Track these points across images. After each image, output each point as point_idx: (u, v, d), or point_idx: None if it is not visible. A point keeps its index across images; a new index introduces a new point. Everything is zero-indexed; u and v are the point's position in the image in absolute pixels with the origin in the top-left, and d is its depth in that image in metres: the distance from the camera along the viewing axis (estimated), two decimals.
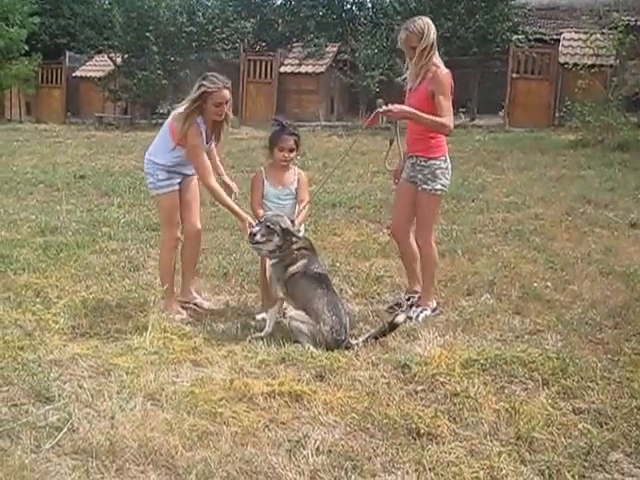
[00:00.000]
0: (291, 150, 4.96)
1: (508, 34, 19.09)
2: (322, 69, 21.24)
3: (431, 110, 4.67)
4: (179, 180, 5.01)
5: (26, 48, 22.58)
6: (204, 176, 4.83)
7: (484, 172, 11.08)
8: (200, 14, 21.32)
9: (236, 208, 4.85)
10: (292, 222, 4.76)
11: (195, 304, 5.30)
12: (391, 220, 5.46)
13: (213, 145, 5.12)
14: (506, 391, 3.76)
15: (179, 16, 20.69)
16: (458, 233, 7.25)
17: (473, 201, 8.84)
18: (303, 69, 21.55)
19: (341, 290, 5.53)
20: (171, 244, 5.15)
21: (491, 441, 3.26)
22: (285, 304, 4.76)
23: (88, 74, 23.79)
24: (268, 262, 4.83)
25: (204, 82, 4.73)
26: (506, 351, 4.18)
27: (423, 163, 4.86)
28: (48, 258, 6.44)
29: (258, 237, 4.61)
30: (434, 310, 4.98)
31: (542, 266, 6.07)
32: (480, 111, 19.37)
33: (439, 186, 4.87)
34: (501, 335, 4.57)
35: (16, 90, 23.35)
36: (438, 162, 4.86)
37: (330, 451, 3.20)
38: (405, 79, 5.04)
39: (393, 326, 4.46)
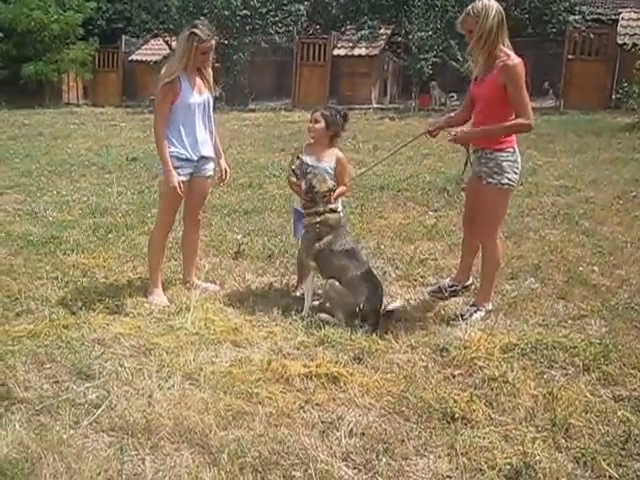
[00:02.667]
0: (316, 121, 4.97)
1: (564, 14, 18.64)
2: (375, 52, 21.09)
3: (503, 102, 4.37)
4: (189, 171, 4.93)
5: (83, 33, 22.95)
6: (157, 119, 4.82)
7: (535, 155, 10.84)
8: None
9: (168, 161, 4.77)
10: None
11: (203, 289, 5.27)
12: (463, 212, 5.20)
13: (211, 101, 5.00)
14: (545, 376, 3.71)
15: (233, 0, 20.72)
16: (506, 216, 7.09)
17: (522, 184, 8.58)
18: (356, 52, 21.45)
19: (384, 273, 5.51)
20: (163, 229, 5.13)
21: (527, 427, 3.22)
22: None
23: (144, 58, 24.10)
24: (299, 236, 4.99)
25: (195, 30, 4.67)
26: (547, 336, 4.12)
27: (489, 155, 4.49)
28: (97, 239, 6.59)
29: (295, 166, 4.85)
30: (489, 312, 4.68)
31: (590, 250, 5.93)
32: (534, 93, 18.89)
33: (506, 180, 4.50)
34: (543, 320, 4.49)
35: (73, 74, 23.74)
36: (505, 154, 4.49)
37: (363, 433, 3.21)
38: (469, 67, 4.76)
39: (387, 313, 4.49)
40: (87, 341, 4.28)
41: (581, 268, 5.41)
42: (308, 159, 5.00)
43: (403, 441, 3.14)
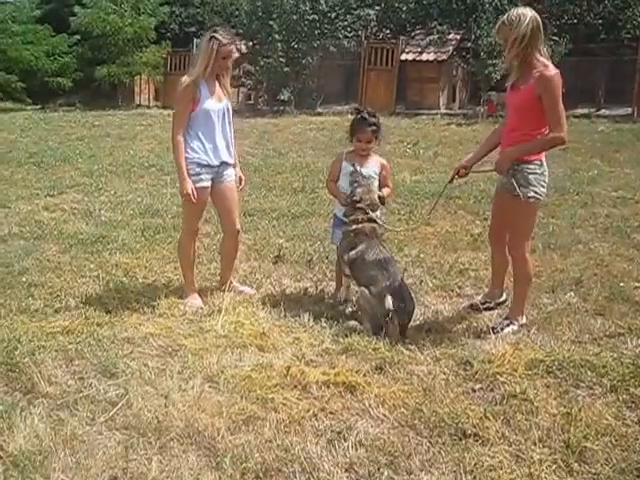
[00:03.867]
0: (369, 141, 4.97)
1: None
2: (444, 57, 20.86)
3: (537, 113, 4.26)
4: (210, 177, 4.93)
5: (155, 36, 23.49)
6: (175, 126, 4.83)
7: (598, 164, 10.56)
8: (323, 2, 21.38)
9: (183, 169, 4.80)
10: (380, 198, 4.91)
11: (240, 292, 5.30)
12: (489, 226, 5.07)
13: (230, 108, 5.00)
14: (569, 396, 3.58)
15: (302, 4, 20.86)
16: (554, 227, 6.95)
17: (578, 194, 8.44)
18: (424, 57, 21.25)
19: (421, 282, 5.45)
20: (189, 235, 5.12)
21: (540, 448, 3.11)
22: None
23: None
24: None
25: (215, 34, 4.70)
26: (577, 353, 3.98)
27: (515, 167, 4.36)
28: (144, 239, 6.72)
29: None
30: (522, 326, 4.57)
31: (638, 265, 5.71)
32: (608, 101, 18.42)
33: (532, 193, 4.35)
34: (577, 336, 4.35)
35: (145, 77, 24.30)
36: (532, 166, 4.35)
37: (371, 445, 3.17)
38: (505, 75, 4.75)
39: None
40: (117, 339, 4.36)
41: (624, 284, 5.21)
42: (350, 166, 5.01)
43: (410, 455, 3.08)
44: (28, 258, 6.06)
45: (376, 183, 4.98)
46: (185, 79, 4.78)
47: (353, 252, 4.71)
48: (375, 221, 4.81)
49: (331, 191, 5.16)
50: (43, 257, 6.12)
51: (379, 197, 4.89)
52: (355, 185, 4.85)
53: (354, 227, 4.77)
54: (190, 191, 4.79)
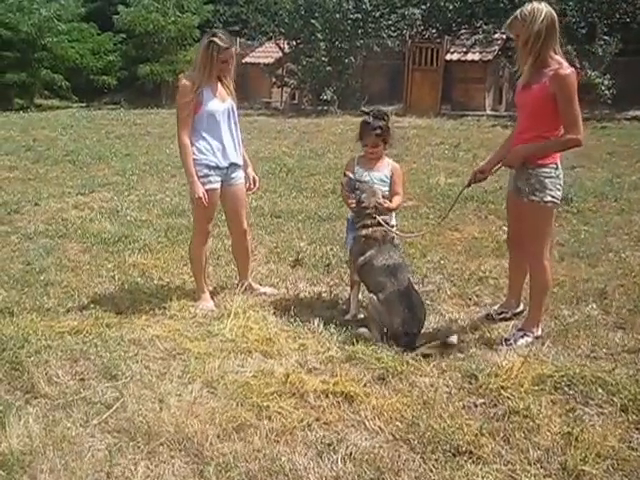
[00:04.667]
0: (374, 146, 4.86)
1: None
2: (489, 57, 20.54)
3: (551, 113, 4.11)
4: (219, 179, 4.89)
5: (199, 35, 23.62)
6: (179, 129, 4.77)
7: None
8: (366, 0, 21.23)
9: (192, 172, 4.75)
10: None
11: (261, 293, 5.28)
12: (507, 231, 4.95)
13: (234, 108, 4.95)
14: (575, 414, 3.42)
15: (345, 3, 20.74)
16: (586, 235, 6.73)
17: (616, 200, 8.15)
18: (469, 57, 20.96)
19: (439, 289, 5.32)
20: (201, 238, 5.07)
21: (536, 469, 2.98)
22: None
23: (257, 60, 24.52)
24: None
25: (213, 39, 4.63)
26: (589, 369, 3.81)
27: (530, 171, 4.22)
28: (167, 240, 6.72)
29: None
30: (537, 338, 4.36)
31: None
32: None
33: (549, 197, 4.21)
34: (592, 351, 4.17)
35: None
36: (548, 170, 4.20)
37: (361, 459, 3.08)
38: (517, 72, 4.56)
39: (446, 345, 4.22)
40: (124, 341, 4.35)
41: None
42: (362, 170, 4.92)
43: (398, 471, 2.99)
44: (49, 257, 6.12)
45: (386, 188, 4.86)
46: (185, 82, 4.74)
47: (362, 257, 4.62)
48: (383, 225, 4.70)
49: (344, 198, 5.05)
50: (64, 256, 6.16)
51: (379, 204, 4.74)
52: (358, 192, 4.76)
53: (364, 232, 4.68)
54: (202, 195, 4.75)
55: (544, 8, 4.06)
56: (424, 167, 10.92)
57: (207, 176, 4.80)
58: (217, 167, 4.84)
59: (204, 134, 4.80)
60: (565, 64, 4.08)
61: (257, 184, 5.25)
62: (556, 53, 4.12)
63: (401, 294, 4.37)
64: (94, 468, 3.04)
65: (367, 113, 4.89)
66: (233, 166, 4.95)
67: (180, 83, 4.80)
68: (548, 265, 4.40)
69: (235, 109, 4.98)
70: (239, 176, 5.04)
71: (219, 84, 4.83)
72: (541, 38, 4.05)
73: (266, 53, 24.75)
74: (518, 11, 4.16)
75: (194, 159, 4.78)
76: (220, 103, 4.82)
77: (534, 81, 4.15)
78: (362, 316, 4.79)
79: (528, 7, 4.10)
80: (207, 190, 4.80)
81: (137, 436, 3.27)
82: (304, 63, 21.04)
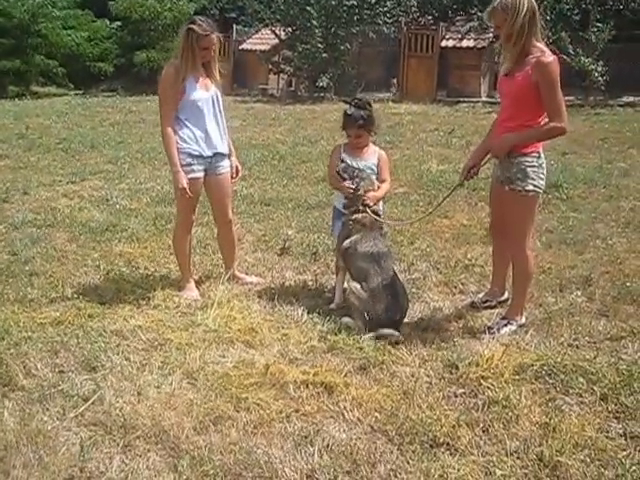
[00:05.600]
0: (357, 137, 4.83)
1: None
2: (484, 44, 20.38)
3: (533, 101, 4.06)
4: (203, 168, 4.84)
5: None
6: (162, 118, 4.72)
7: (634, 155, 10.16)
8: None
9: (175, 161, 4.70)
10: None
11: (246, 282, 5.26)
12: (490, 219, 4.91)
13: (219, 96, 4.90)
14: (555, 404, 3.41)
15: None
16: (575, 221, 6.70)
17: (605, 187, 8.11)
18: (464, 44, 20.82)
19: (425, 277, 5.29)
20: (184, 227, 5.04)
21: (513, 460, 2.96)
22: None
23: (254, 47, 24.36)
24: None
25: (192, 26, 4.58)
26: (570, 357, 3.79)
27: (512, 160, 4.17)
28: (155, 228, 6.67)
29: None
30: (520, 326, 4.35)
31: None
32: None
33: (530, 187, 4.16)
34: (575, 339, 4.15)
35: None
36: (530, 159, 4.15)
37: (337, 451, 3.06)
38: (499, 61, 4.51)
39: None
40: (106, 332, 4.32)
41: (633, 284, 4.97)
42: (349, 158, 4.89)
43: (374, 464, 2.97)
44: (35, 246, 6.06)
45: (374, 176, 4.83)
46: (169, 71, 4.69)
47: (347, 241, 4.59)
48: (377, 214, 4.67)
49: (334, 185, 5.00)
50: (50, 246, 6.11)
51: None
52: (357, 180, 4.71)
53: (354, 217, 4.64)
54: (185, 185, 4.71)
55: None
56: (417, 153, 10.87)
57: (190, 165, 4.75)
58: (200, 156, 4.79)
59: (187, 123, 4.75)
60: (547, 52, 4.02)
61: (240, 173, 5.20)
62: (538, 40, 4.05)
63: (384, 282, 4.35)
64: (68, 463, 3.01)
65: (349, 103, 4.84)
66: (218, 155, 4.90)
67: (163, 72, 4.75)
68: (530, 254, 4.38)
69: (220, 97, 4.92)
70: (224, 165, 4.99)
71: (202, 72, 4.77)
72: (524, 32, 3.99)
73: (262, 40, 24.57)
74: (497, 1, 4.04)
75: (178, 148, 4.73)
76: (204, 91, 4.76)
77: (517, 69, 4.09)
78: (347, 303, 4.76)
79: None
80: (190, 179, 4.75)
81: (113, 429, 3.24)
82: (300, 50, 20.87)
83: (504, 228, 4.48)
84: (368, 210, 4.62)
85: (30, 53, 21.97)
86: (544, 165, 4.23)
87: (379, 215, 4.74)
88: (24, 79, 22.31)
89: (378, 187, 4.78)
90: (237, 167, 5.15)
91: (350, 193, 4.72)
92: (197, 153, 4.76)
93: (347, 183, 4.73)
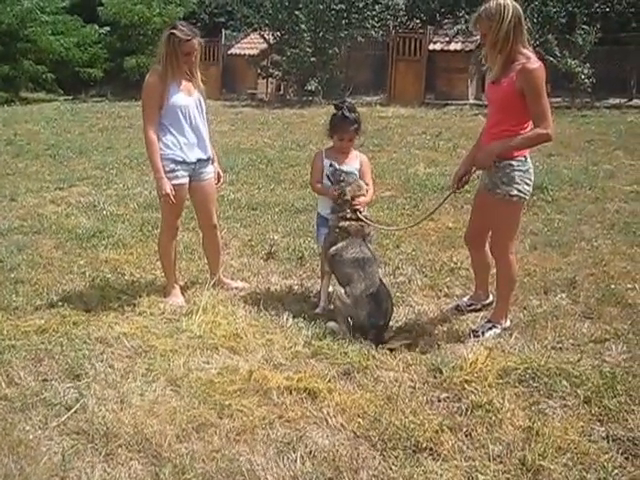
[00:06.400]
0: (351, 140, 4.85)
1: None
2: (471, 46, 20.45)
3: (519, 108, 4.04)
4: (187, 174, 4.82)
5: None
6: (146, 124, 4.68)
7: (619, 157, 10.21)
8: None
9: (159, 168, 4.69)
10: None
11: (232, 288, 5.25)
12: (467, 227, 4.85)
13: (202, 101, 4.88)
14: (539, 407, 3.41)
15: None
16: (560, 223, 6.73)
17: (591, 189, 8.14)
18: (452, 47, 20.91)
19: (410, 281, 5.30)
20: (169, 233, 5.04)
21: (496, 464, 2.96)
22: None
23: (243, 51, 24.39)
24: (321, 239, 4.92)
25: (173, 31, 4.57)
26: (554, 360, 3.79)
27: (497, 164, 4.13)
28: (141, 234, 6.66)
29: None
30: (505, 329, 4.35)
31: (639, 264, 5.47)
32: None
33: (515, 191, 4.12)
34: (559, 341, 4.15)
35: None
36: (515, 163, 4.11)
37: (320, 457, 3.05)
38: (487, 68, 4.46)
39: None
40: (90, 339, 4.30)
41: (618, 285, 4.99)
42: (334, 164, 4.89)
43: (357, 470, 2.96)
44: (21, 254, 6.04)
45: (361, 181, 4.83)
46: (152, 77, 4.67)
47: (334, 248, 4.59)
48: (363, 221, 4.66)
49: (318, 191, 5.00)
50: (36, 253, 6.09)
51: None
52: (343, 184, 4.71)
53: (340, 224, 4.63)
54: (169, 191, 4.69)
55: (509, 4, 3.94)
56: (404, 157, 10.89)
57: (174, 171, 4.74)
58: (184, 162, 4.77)
59: (171, 129, 4.73)
60: (533, 58, 4.01)
61: (222, 179, 5.20)
62: (524, 47, 4.04)
63: (368, 287, 4.35)
64: (49, 473, 2.99)
65: (341, 107, 4.84)
66: (202, 161, 4.89)
67: (146, 78, 4.73)
68: (513, 258, 4.38)
69: (203, 103, 4.91)
70: (208, 171, 4.98)
71: (184, 77, 4.75)
72: (510, 39, 3.97)
73: (251, 44, 24.60)
74: (482, 8, 4.03)
75: (161, 154, 4.72)
76: (186, 97, 4.74)
77: (503, 76, 4.07)
78: (332, 307, 4.76)
79: (492, 4, 3.98)
80: (174, 185, 4.74)
81: (95, 438, 3.22)
82: (289, 54, 20.90)
83: (483, 234, 4.49)
84: (360, 216, 4.61)
85: (19, 59, 21.93)
86: (531, 170, 4.21)
87: (371, 220, 4.74)
88: (13, 85, 22.27)
89: (367, 191, 4.77)
90: (219, 173, 5.14)
91: (336, 198, 4.72)
92: (181, 159, 4.74)
93: (332, 189, 4.73)
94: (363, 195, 4.72)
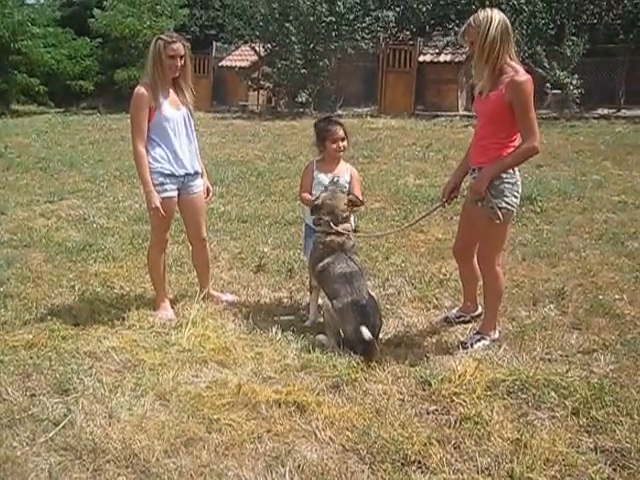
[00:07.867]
0: (343, 139, 4.88)
1: None
2: (461, 58, 20.61)
3: (508, 121, 4.06)
4: (175, 187, 4.83)
5: None
6: (134, 138, 4.69)
7: (607, 167, 10.29)
8: (340, 4, 21.07)
9: (148, 181, 4.70)
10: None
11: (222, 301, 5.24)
12: (455, 240, 4.86)
13: (191, 115, 4.89)
14: (527, 419, 3.42)
15: (319, 6, 20.71)
16: (548, 234, 6.76)
17: (579, 199, 8.19)
18: (442, 58, 21.10)
19: (399, 293, 5.31)
20: (158, 246, 5.04)
21: (484, 477, 2.96)
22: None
23: (234, 64, 24.50)
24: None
25: (160, 36, 4.66)
26: (542, 372, 3.80)
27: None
28: (131, 247, 6.66)
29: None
30: (494, 341, 4.35)
31: (627, 275, 5.50)
32: (628, 101, 18.02)
33: (504, 204, 4.11)
34: (547, 353, 4.17)
35: None
36: (504, 175, 4.11)
37: (308, 471, 3.04)
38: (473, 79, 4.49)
39: None
40: (79, 354, 4.28)
41: (606, 295, 5.01)
42: (322, 175, 4.91)
43: None
44: (10, 268, 6.02)
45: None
46: (141, 90, 4.68)
47: (320, 264, 4.60)
48: (342, 234, 4.66)
49: (304, 200, 5.03)
50: (26, 267, 6.07)
51: (352, 200, 4.75)
52: (322, 190, 4.76)
53: (322, 240, 4.65)
54: (158, 205, 4.69)
55: (497, 15, 3.99)
56: (394, 168, 10.93)
57: (163, 184, 4.74)
58: (173, 175, 4.77)
59: (159, 142, 4.73)
60: (521, 71, 4.03)
61: (210, 193, 5.21)
62: (512, 59, 4.07)
63: (355, 301, 4.34)
64: None
65: (327, 120, 4.93)
66: (190, 175, 4.89)
67: (135, 91, 4.74)
68: (500, 271, 4.40)
69: (191, 117, 4.91)
70: (197, 185, 4.98)
71: (172, 91, 4.77)
72: (497, 46, 3.99)
73: (242, 56, 24.74)
74: (471, 18, 4.09)
75: (150, 167, 4.72)
76: (174, 111, 4.75)
77: (491, 88, 4.09)
78: (322, 320, 4.76)
79: (481, 14, 4.04)
80: (163, 198, 4.74)
81: (83, 454, 3.21)
82: (279, 66, 21.02)
83: (471, 248, 4.51)
84: (337, 228, 4.61)
85: (10, 71, 21.93)
86: (519, 183, 4.22)
87: (350, 230, 4.74)
88: (4, 97, 22.30)
89: (347, 202, 4.74)
90: (208, 188, 5.14)
91: (312, 205, 4.75)
92: (169, 172, 4.75)
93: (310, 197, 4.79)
94: (335, 205, 4.68)
